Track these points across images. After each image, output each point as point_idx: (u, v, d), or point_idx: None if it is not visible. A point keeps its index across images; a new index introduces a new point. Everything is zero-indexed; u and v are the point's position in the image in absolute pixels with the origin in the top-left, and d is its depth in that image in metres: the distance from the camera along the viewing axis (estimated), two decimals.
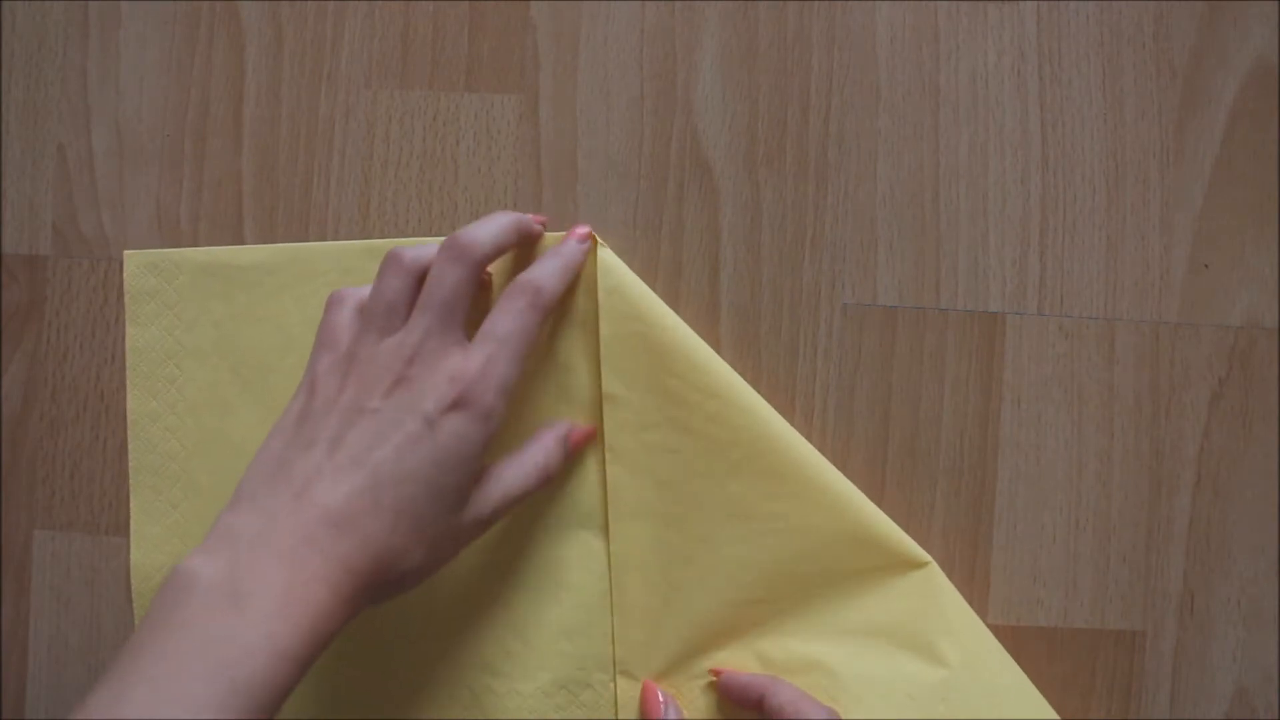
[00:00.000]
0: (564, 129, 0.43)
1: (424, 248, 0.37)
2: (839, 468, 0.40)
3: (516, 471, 0.37)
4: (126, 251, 0.42)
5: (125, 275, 0.42)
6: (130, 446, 0.42)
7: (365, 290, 0.38)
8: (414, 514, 0.34)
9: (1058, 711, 0.40)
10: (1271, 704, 0.41)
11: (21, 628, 0.44)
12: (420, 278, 0.37)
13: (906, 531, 0.40)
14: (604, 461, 0.41)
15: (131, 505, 0.42)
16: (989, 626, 0.41)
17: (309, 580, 0.32)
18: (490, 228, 0.37)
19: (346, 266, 0.42)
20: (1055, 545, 0.42)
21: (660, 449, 0.40)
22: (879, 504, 0.40)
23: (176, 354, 0.42)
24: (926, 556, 0.40)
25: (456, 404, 0.34)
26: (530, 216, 0.40)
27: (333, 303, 0.38)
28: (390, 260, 0.37)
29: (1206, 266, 0.42)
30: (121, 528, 0.43)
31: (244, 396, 0.42)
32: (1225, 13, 0.42)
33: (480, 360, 0.35)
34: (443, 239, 0.37)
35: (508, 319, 0.36)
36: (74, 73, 0.44)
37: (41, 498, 0.44)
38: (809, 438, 0.40)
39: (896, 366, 0.42)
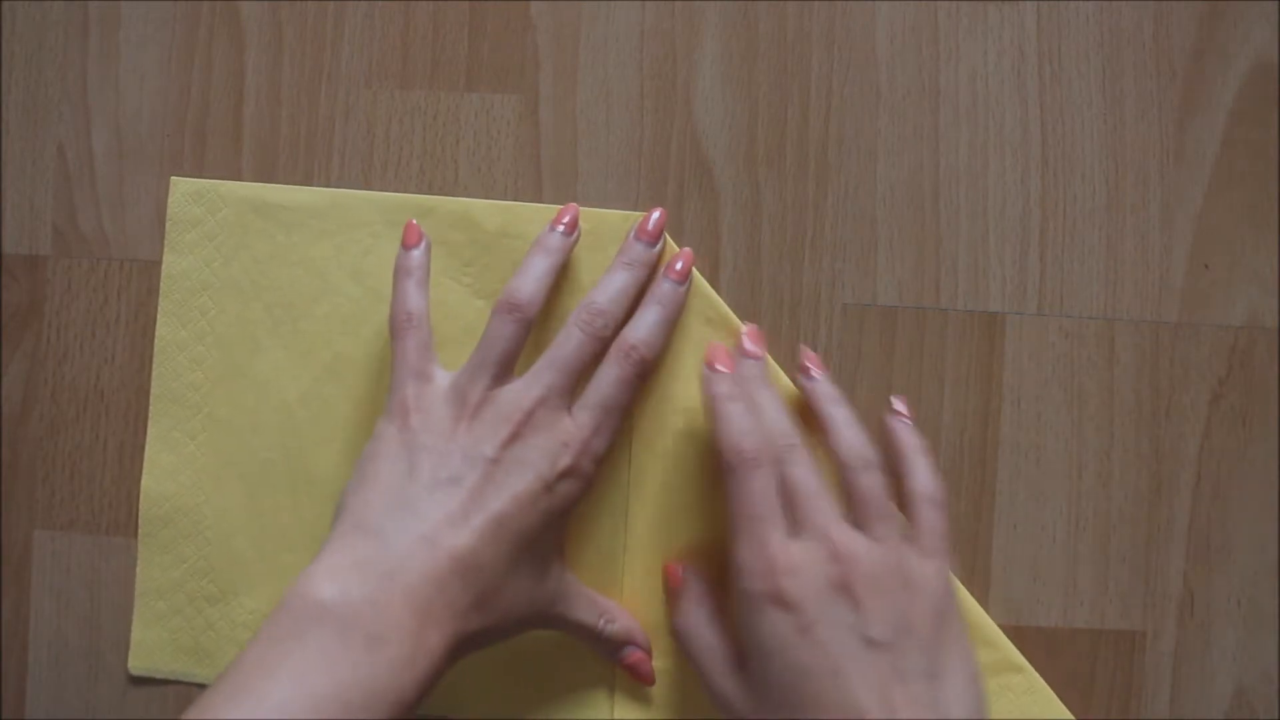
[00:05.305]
0: (564, 129, 0.43)
1: (533, 284, 0.37)
2: None
3: (591, 600, 0.39)
4: (174, 178, 0.43)
5: (170, 201, 0.43)
6: (154, 372, 0.43)
7: (421, 304, 0.38)
8: (522, 569, 0.35)
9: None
10: (1271, 704, 0.41)
11: (21, 628, 0.44)
12: (533, 325, 0.37)
13: None
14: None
15: (149, 431, 0.42)
16: None
17: (435, 632, 0.32)
18: (620, 297, 0.38)
19: (392, 220, 0.42)
20: (1055, 545, 0.42)
21: (681, 434, 0.41)
22: None
23: (211, 286, 0.43)
24: None
25: (568, 472, 0.36)
26: (651, 229, 0.40)
27: (404, 328, 0.37)
28: (511, 308, 0.37)
29: (1206, 266, 0.42)
30: (121, 528, 0.43)
31: (273, 337, 0.42)
32: (1225, 13, 0.42)
33: (589, 429, 0.37)
34: (472, 200, 0.40)
35: (615, 390, 0.37)
36: (74, 73, 0.44)
37: (41, 498, 0.44)
38: None
39: (896, 366, 0.42)
